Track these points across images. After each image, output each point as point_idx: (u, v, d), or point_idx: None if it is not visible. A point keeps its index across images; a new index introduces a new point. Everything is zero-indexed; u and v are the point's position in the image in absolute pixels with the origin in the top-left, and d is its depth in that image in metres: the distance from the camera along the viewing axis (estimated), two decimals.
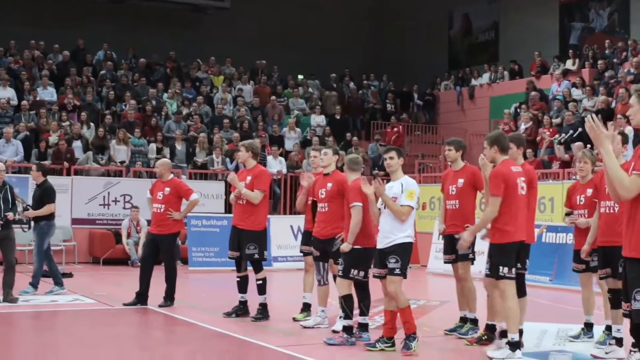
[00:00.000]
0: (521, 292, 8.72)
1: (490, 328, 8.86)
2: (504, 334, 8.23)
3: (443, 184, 9.64)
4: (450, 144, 9.38)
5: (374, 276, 8.35)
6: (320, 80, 28.92)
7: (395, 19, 33.26)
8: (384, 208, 8.23)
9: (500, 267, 7.96)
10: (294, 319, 10.27)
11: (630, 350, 7.76)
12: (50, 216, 12.63)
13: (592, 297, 9.13)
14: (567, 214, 9.27)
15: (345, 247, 8.67)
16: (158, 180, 11.90)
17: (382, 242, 8.26)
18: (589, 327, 9.15)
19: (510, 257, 7.98)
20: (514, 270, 7.97)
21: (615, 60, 23.55)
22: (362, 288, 8.92)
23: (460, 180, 9.29)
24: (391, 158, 8.37)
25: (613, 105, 20.20)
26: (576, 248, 9.12)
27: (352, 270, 8.64)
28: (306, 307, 10.40)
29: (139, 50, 27.04)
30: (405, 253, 8.18)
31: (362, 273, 8.70)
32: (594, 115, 5.25)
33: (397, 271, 8.13)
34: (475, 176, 9.25)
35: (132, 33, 28.21)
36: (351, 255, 8.66)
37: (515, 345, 7.91)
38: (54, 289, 12.78)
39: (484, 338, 8.85)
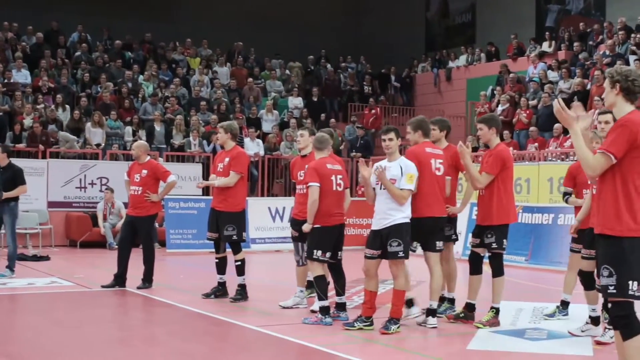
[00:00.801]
0: (499, 271, 8.81)
1: (470, 306, 8.95)
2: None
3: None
4: (435, 124, 9.39)
5: (366, 257, 8.37)
6: (298, 62, 28.88)
7: (374, 1, 33.23)
8: (380, 189, 8.24)
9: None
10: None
11: (605, 328, 7.88)
12: (17, 197, 12.64)
13: (575, 279, 9.17)
14: (568, 194, 9.23)
15: (306, 227, 8.72)
16: (135, 163, 11.84)
17: (378, 224, 8.26)
18: (564, 305, 9.24)
19: (417, 234, 8.41)
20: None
21: (590, 42, 23.68)
22: (335, 269, 8.94)
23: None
24: (390, 139, 8.33)
25: (589, 87, 20.33)
26: (581, 228, 9.07)
27: (315, 251, 8.65)
28: (309, 285, 10.32)
29: (114, 32, 26.82)
30: (405, 234, 8.20)
31: (328, 254, 8.68)
32: (559, 99, 5.41)
33: (401, 254, 8.18)
34: (458, 156, 9.26)
35: (107, 14, 27.99)
36: (311, 236, 8.71)
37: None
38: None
39: (461, 315, 8.93)
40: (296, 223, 9.44)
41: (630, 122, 5.30)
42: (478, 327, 8.60)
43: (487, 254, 8.89)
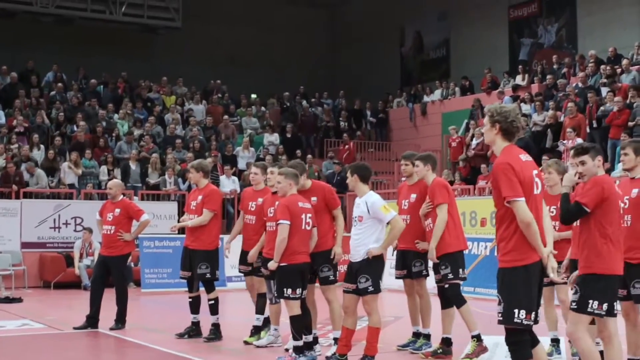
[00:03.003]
0: (460, 301, 8.84)
1: (446, 341, 8.88)
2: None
3: (398, 198, 9.68)
4: (407, 159, 9.42)
5: (344, 291, 8.31)
6: (273, 99, 29.02)
7: (348, 37, 33.47)
8: (355, 225, 8.21)
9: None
10: (245, 342, 10.12)
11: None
12: None
13: (555, 313, 9.04)
14: None
15: (271, 264, 8.62)
16: (108, 202, 11.77)
17: (352, 257, 8.27)
18: (556, 342, 9.03)
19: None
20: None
21: (563, 73, 23.87)
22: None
23: (413, 196, 9.32)
24: (347, 177, 8.42)
25: (561, 119, 20.47)
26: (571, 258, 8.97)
27: (285, 289, 8.54)
28: (257, 330, 10.22)
29: (89, 71, 26.79)
30: (374, 269, 8.14)
31: (298, 291, 8.56)
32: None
33: (370, 289, 8.11)
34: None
35: (82, 54, 28.02)
36: (278, 275, 8.62)
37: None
38: None
39: (439, 352, 8.87)
40: (266, 261, 9.32)
41: (506, 164, 5.63)
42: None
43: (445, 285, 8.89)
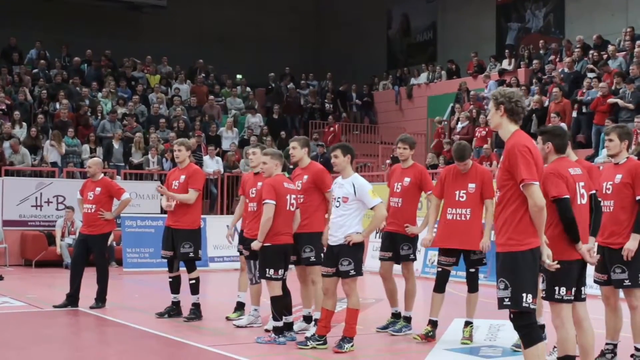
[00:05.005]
0: (477, 287, 8.94)
1: (435, 324, 8.90)
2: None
3: (389, 180, 9.63)
4: (406, 142, 9.38)
5: (322, 275, 8.28)
6: (258, 80, 28.85)
7: (335, 19, 33.34)
8: (337, 206, 8.16)
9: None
10: (227, 318, 10.16)
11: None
12: None
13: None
14: None
15: (255, 244, 8.61)
16: (88, 180, 11.70)
17: (332, 239, 8.23)
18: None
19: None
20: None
21: (550, 59, 23.84)
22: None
23: (407, 179, 9.28)
24: (336, 157, 8.31)
25: (547, 104, 20.45)
26: None
27: (268, 270, 8.54)
28: (240, 307, 10.30)
29: (73, 49, 26.54)
30: (356, 252, 8.13)
31: (280, 272, 8.58)
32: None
33: (352, 272, 8.09)
34: (422, 176, 9.27)
35: (65, 31, 27.73)
36: (261, 255, 8.61)
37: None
38: None
39: (430, 334, 8.85)
40: (249, 241, 9.24)
41: (525, 146, 5.60)
42: (467, 344, 8.67)
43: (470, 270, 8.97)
